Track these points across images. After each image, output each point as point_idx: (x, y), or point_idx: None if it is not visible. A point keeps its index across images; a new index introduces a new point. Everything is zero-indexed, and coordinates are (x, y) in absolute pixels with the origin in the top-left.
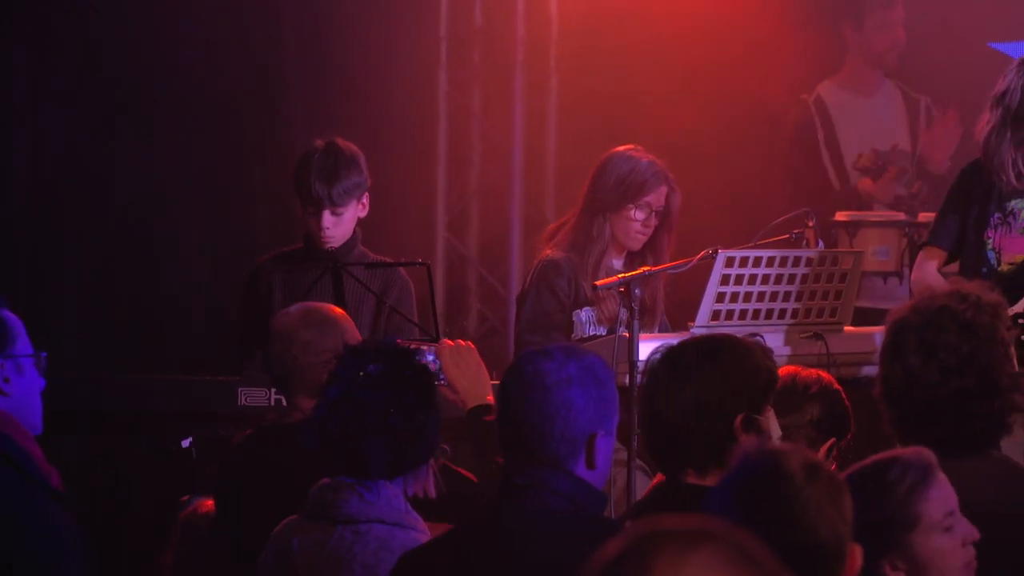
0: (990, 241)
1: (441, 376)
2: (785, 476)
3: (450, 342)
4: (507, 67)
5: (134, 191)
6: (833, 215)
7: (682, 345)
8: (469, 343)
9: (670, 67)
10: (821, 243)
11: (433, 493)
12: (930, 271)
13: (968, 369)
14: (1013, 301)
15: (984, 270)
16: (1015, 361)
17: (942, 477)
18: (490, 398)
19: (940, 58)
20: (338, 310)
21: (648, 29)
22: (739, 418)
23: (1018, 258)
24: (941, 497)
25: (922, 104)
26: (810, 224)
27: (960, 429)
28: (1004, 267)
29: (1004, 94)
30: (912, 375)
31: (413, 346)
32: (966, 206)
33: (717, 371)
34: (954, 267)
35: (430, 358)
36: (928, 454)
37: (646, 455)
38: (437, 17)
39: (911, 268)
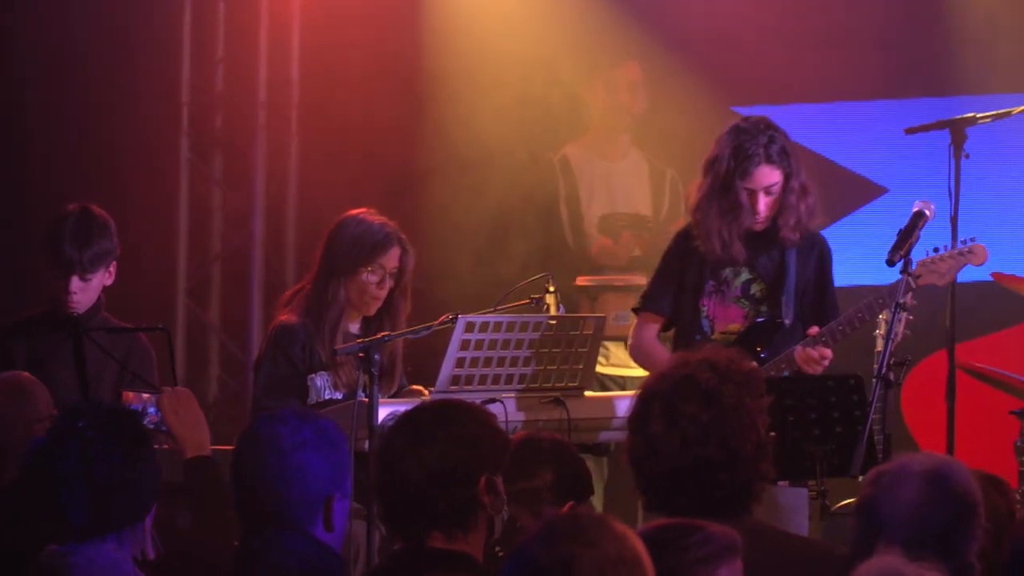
0: (704, 309)
1: (162, 425)
2: None
3: (169, 389)
4: (248, 132)
5: None
6: (573, 278)
7: (418, 410)
8: (187, 390)
9: (412, 131)
10: (562, 308)
11: (151, 554)
12: (648, 337)
13: (710, 439)
14: None
15: (698, 338)
16: (765, 430)
17: (738, 564)
18: (208, 448)
19: (685, 129)
20: (26, 376)
21: (389, 93)
22: (482, 480)
23: (732, 327)
24: None
25: (667, 176)
26: (551, 289)
27: (703, 498)
28: (717, 336)
29: (714, 161)
30: (654, 443)
31: (134, 395)
32: (681, 272)
33: (458, 435)
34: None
35: (151, 410)
36: (735, 537)
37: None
38: (179, 82)
39: None
